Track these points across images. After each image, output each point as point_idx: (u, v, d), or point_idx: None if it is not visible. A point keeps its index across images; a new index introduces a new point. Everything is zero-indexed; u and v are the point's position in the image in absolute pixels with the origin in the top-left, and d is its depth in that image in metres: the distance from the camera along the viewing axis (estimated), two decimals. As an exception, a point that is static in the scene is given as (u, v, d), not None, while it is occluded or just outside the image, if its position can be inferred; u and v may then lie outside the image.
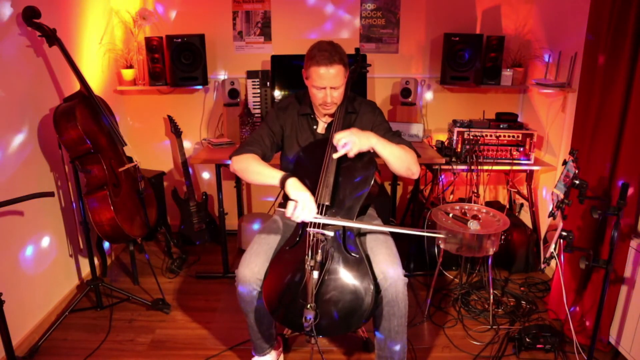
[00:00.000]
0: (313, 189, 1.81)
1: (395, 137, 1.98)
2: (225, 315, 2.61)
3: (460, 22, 3.29)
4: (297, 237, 1.85)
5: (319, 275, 1.64)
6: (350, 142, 1.76)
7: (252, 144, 1.99)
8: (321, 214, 1.77)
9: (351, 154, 1.78)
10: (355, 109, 2.05)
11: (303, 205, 1.70)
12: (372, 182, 1.84)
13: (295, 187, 1.74)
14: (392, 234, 2.02)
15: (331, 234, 1.71)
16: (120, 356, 2.29)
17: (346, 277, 1.72)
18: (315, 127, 2.07)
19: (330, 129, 1.94)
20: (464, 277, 2.94)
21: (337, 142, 1.78)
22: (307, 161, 1.95)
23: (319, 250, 1.65)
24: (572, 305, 2.40)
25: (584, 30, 2.36)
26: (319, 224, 1.73)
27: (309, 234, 1.70)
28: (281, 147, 2.11)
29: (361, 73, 2.12)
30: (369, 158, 1.88)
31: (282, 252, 1.86)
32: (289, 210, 1.71)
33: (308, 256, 1.67)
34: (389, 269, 1.77)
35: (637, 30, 2.05)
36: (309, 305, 1.63)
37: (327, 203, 1.79)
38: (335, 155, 1.80)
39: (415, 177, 1.96)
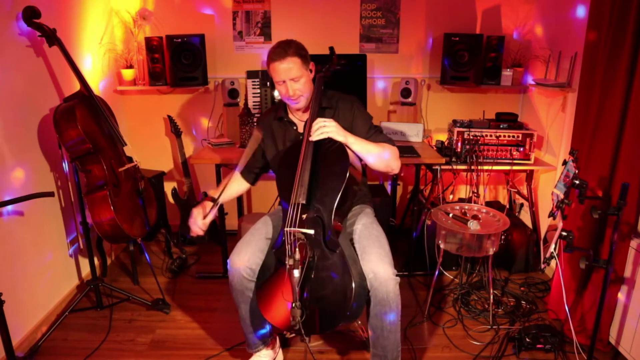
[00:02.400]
0: (291, 188, 1.82)
1: (377, 135, 2.00)
2: (225, 315, 2.61)
3: (460, 22, 3.29)
4: (282, 237, 1.85)
5: (300, 273, 1.65)
6: (328, 126, 1.79)
7: (245, 169, 2.17)
8: (298, 212, 1.78)
9: (322, 136, 1.79)
10: (332, 105, 2.04)
11: (191, 222, 1.92)
12: (348, 176, 1.81)
13: (196, 207, 1.97)
14: (390, 233, 2.02)
15: (311, 232, 1.72)
16: (120, 356, 2.29)
17: (327, 273, 1.74)
18: (295, 127, 2.09)
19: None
20: (464, 277, 2.94)
21: (315, 125, 1.80)
22: (288, 163, 1.96)
23: (296, 249, 1.66)
24: (572, 305, 2.40)
25: (584, 30, 2.36)
26: (296, 223, 1.75)
27: (287, 233, 1.71)
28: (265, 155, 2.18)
29: (336, 70, 2.16)
30: (342, 154, 1.87)
31: (269, 255, 1.89)
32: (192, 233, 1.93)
33: (288, 255, 1.68)
34: (379, 268, 1.78)
35: (637, 30, 2.05)
36: (293, 304, 1.64)
37: (302, 202, 1.78)
38: (312, 138, 1.80)
39: (395, 172, 2.01)
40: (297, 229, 1.72)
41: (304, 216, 1.78)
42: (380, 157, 1.90)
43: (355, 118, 2.03)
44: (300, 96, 1.96)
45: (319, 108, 1.98)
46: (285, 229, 1.74)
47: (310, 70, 1.99)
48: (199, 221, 1.89)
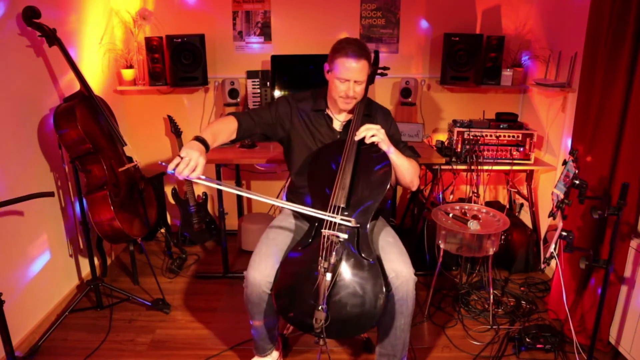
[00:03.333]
0: (329, 189, 1.81)
1: (405, 149, 2.04)
2: (225, 315, 2.61)
3: (460, 22, 3.29)
4: (309, 238, 1.83)
5: (332, 277, 1.64)
6: (378, 133, 1.83)
7: (244, 115, 2.02)
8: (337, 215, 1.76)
9: (371, 139, 1.83)
10: (371, 112, 2.06)
11: (186, 162, 1.63)
12: (389, 186, 1.84)
13: (188, 146, 1.69)
14: (397, 234, 2.01)
15: (345, 235, 1.71)
16: (120, 356, 2.29)
17: (359, 280, 1.70)
18: (331, 122, 2.07)
19: (349, 128, 1.94)
20: (464, 277, 2.94)
21: (365, 129, 1.83)
22: (323, 161, 1.94)
23: (333, 252, 1.65)
24: (572, 305, 2.40)
25: (584, 30, 2.37)
26: (334, 226, 1.73)
27: (323, 236, 1.70)
28: (285, 138, 2.10)
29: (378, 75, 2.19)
30: (387, 164, 1.89)
31: (295, 251, 1.84)
32: (171, 165, 1.63)
33: (321, 257, 1.66)
34: (402, 268, 1.79)
35: (637, 30, 2.05)
36: (320, 307, 1.63)
37: (342, 205, 1.78)
38: (357, 137, 1.85)
39: (414, 189, 2.04)
40: (334, 232, 1.70)
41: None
42: (409, 172, 1.96)
43: (391, 129, 2.06)
44: (355, 99, 1.96)
45: (363, 115, 1.99)
46: (322, 230, 1.72)
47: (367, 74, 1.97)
48: (197, 172, 1.66)
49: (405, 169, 1.94)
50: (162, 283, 2.81)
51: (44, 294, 2.50)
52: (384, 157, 1.88)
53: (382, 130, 1.85)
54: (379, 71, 2.18)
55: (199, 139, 1.76)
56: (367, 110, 2.03)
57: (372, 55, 1.97)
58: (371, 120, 2.03)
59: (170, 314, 2.63)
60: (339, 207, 1.78)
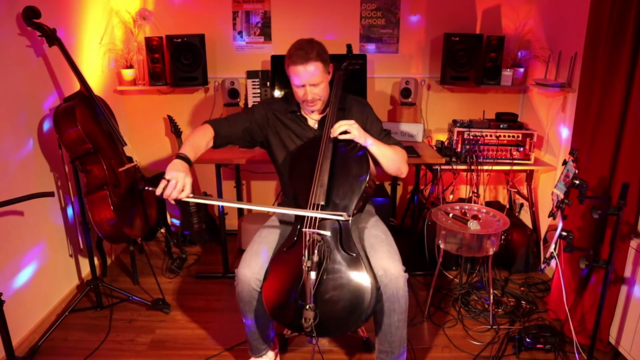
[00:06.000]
0: (308, 188, 1.81)
1: (387, 138, 2.03)
2: (225, 315, 2.61)
3: (460, 22, 3.29)
4: (294, 238, 1.84)
5: (317, 275, 1.64)
6: (351, 128, 1.82)
7: (221, 122, 2.03)
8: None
9: (344, 136, 1.84)
10: (346, 106, 2.06)
11: (173, 185, 1.67)
12: (368, 179, 1.84)
13: (172, 167, 1.72)
14: (392, 233, 2.02)
15: (328, 233, 1.71)
16: (120, 356, 2.29)
17: (344, 276, 1.71)
18: (306, 122, 2.08)
19: (323, 126, 1.94)
20: (464, 277, 2.94)
21: (338, 127, 1.83)
22: (301, 160, 1.95)
23: (315, 251, 1.66)
24: (572, 305, 2.40)
25: (584, 30, 2.36)
26: (315, 224, 1.73)
27: (305, 234, 1.70)
28: (265, 142, 2.12)
29: (355, 70, 2.15)
30: (363, 157, 1.88)
31: (280, 253, 1.85)
32: (158, 189, 1.68)
33: (305, 256, 1.67)
34: (390, 265, 1.78)
35: (637, 30, 2.05)
36: (307, 306, 1.63)
37: (322, 203, 1.78)
38: (333, 135, 1.85)
39: (404, 176, 2.04)
40: (315, 230, 1.70)
41: None
42: (394, 160, 1.94)
43: (368, 121, 2.05)
44: (318, 100, 1.96)
45: (337, 110, 1.98)
46: (303, 229, 1.72)
47: (328, 73, 1.96)
48: (186, 192, 1.70)
49: (389, 158, 1.92)
50: (162, 283, 2.81)
51: (44, 294, 2.50)
52: (361, 152, 1.88)
53: (356, 125, 1.85)
54: (356, 66, 2.16)
55: (180, 156, 1.78)
56: (341, 105, 2.03)
57: (325, 53, 1.93)
58: (346, 114, 2.03)
59: (170, 314, 2.63)
60: (318, 205, 1.78)
